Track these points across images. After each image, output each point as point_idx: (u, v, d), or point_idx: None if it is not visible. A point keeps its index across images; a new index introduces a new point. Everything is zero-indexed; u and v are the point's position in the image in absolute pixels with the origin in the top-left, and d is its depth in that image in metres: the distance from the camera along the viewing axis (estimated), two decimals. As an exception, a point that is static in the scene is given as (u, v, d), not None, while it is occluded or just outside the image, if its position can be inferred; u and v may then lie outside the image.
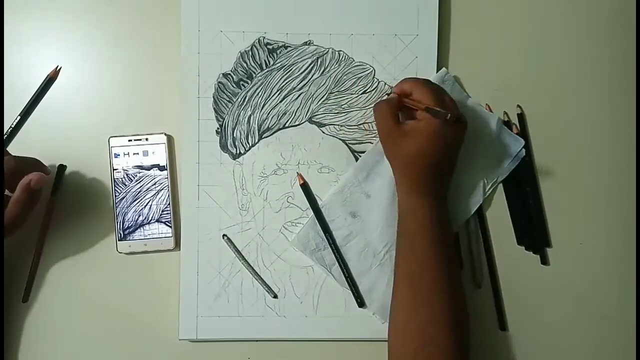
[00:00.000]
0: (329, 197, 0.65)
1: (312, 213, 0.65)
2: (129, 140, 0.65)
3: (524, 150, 0.66)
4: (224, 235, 0.65)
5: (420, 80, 0.62)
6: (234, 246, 0.65)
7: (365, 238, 0.65)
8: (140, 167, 0.65)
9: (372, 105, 0.65)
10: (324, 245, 0.65)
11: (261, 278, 0.65)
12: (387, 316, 0.61)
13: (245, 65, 0.66)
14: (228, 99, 0.66)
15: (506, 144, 0.66)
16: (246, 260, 0.65)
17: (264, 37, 0.66)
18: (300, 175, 0.66)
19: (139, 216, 0.65)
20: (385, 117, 0.61)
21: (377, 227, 0.65)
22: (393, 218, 0.63)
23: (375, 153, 0.65)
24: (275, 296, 0.65)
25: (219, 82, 0.66)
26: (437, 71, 0.66)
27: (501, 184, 0.67)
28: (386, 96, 0.66)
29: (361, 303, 0.65)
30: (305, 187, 0.66)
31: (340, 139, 0.66)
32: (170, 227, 0.65)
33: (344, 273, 0.65)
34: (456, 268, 0.60)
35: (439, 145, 0.59)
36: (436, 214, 0.60)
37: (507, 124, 0.67)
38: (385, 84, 0.66)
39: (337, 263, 0.65)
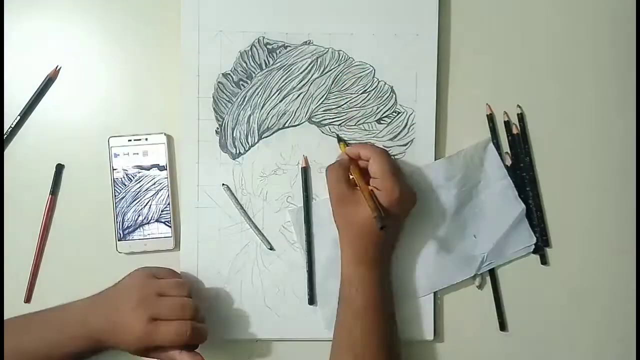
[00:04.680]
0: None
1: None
2: (129, 140, 0.65)
3: (533, 246, 0.66)
4: (223, 184, 0.65)
5: (379, 151, 0.61)
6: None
7: None
8: (140, 167, 0.65)
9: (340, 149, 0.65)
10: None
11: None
12: (330, 328, 0.62)
13: (245, 65, 0.66)
14: (228, 99, 0.66)
15: (520, 235, 0.66)
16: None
17: (264, 37, 0.66)
18: (305, 159, 0.65)
19: (139, 216, 0.65)
20: (339, 180, 0.61)
21: None
22: None
23: None
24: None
25: (219, 82, 0.66)
26: (437, 70, 0.66)
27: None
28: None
29: (311, 300, 0.65)
30: (305, 171, 0.65)
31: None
32: (170, 227, 0.65)
33: (307, 265, 0.65)
34: (397, 337, 0.61)
35: (390, 216, 0.58)
36: (383, 286, 0.60)
37: (507, 124, 0.67)
38: (385, 83, 0.66)
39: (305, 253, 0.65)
